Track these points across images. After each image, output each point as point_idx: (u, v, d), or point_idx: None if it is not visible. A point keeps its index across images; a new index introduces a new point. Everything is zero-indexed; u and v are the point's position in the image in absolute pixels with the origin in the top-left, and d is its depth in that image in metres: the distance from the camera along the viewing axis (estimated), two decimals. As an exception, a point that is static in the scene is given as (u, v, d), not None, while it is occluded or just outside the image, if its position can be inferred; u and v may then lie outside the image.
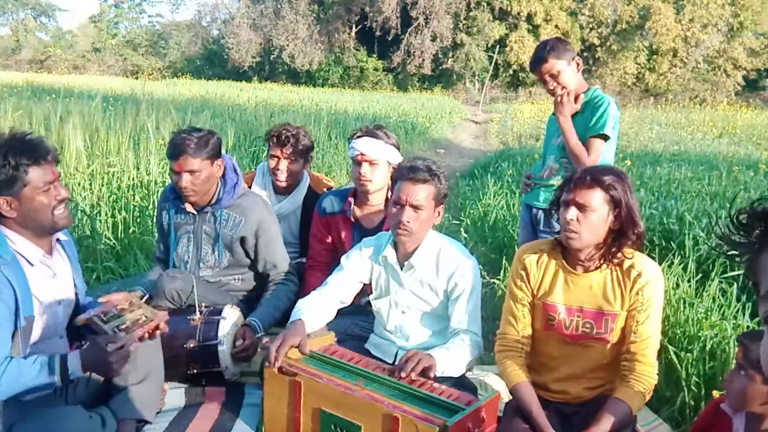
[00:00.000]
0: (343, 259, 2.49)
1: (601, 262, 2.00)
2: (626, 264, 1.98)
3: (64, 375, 1.92)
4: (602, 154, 2.77)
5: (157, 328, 2.12)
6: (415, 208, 2.24)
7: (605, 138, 2.75)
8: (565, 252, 2.05)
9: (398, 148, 2.90)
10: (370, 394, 1.96)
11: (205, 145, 2.69)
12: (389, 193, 2.87)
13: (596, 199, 1.92)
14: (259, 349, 2.57)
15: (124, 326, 2.06)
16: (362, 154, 2.76)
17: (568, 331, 2.04)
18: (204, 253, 2.90)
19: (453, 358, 2.19)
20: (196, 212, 2.87)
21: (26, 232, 2.01)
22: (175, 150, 2.67)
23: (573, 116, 2.83)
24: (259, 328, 2.69)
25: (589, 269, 2.02)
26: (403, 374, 2.03)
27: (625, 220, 1.93)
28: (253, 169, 3.64)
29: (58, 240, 2.16)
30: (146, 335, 2.08)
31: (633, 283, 1.96)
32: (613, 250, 1.97)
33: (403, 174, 2.28)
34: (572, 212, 1.93)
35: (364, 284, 2.50)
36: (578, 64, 2.84)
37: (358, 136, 2.82)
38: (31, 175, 1.94)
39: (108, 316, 2.07)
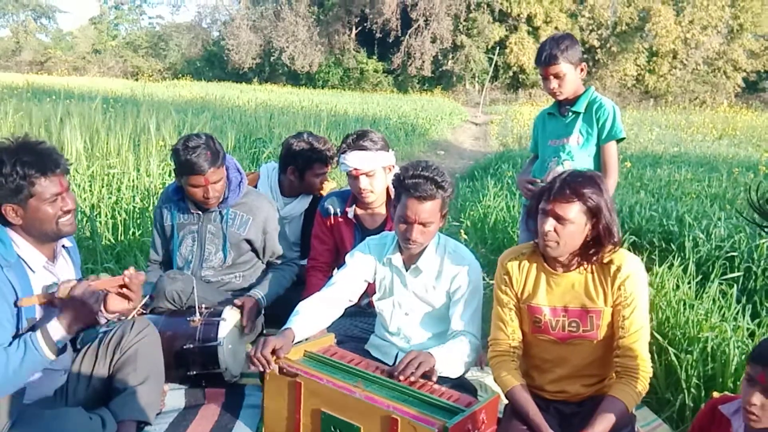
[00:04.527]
0: (347, 257, 2.48)
1: (580, 263, 2.01)
2: (606, 260, 1.99)
3: (52, 346, 1.90)
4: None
5: (126, 283, 2.04)
6: (424, 224, 2.22)
7: (621, 140, 2.83)
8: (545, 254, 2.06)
9: (387, 147, 2.89)
10: (369, 396, 1.96)
11: (218, 152, 2.74)
12: (391, 192, 2.87)
13: (574, 211, 1.91)
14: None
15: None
16: (357, 169, 2.76)
17: (555, 332, 2.05)
18: (207, 253, 2.91)
19: (451, 358, 2.19)
20: (200, 212, 2.88)
21: (30, 238, 2.01)
22: (200, 166, 2.68)
23: (575, 116, 2.84)
24: (262, 298, 2.81)
25: (570, 269, 2.02)
26: (402, 377, 2.02)
27: (602, 231, 1.93)
28: (254, 170, 3.65)
29: (63, 246, 2.16)
30: (125, 290, 2.04)
31: (614, 279, 1.97)
32: (590, 253, 1.97)
33: (408, 191, 2.19)
34: (550, 223, 1.93)
35: (368, 284, 2.50)
36: (582, 69, 2.83)
37: (347, 151, 2.78)
38: (38, 187, 1.93)
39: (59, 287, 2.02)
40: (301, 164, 3.27)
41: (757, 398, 1.60)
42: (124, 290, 2.06)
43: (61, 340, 1.93)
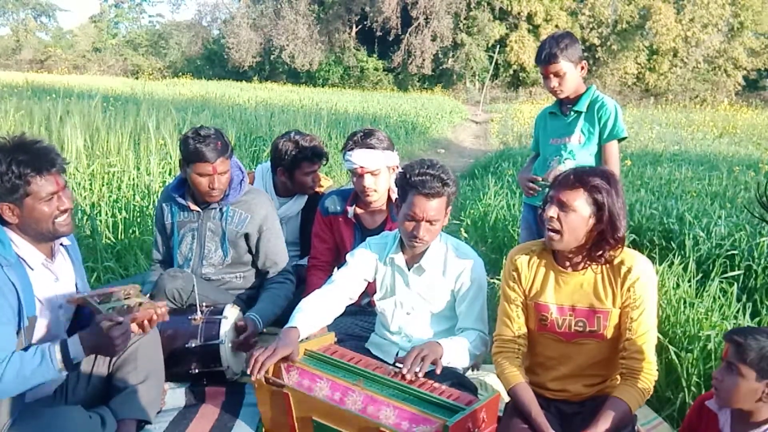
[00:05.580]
0: (348, 256, 2.47)
1: (588, 263, 2.00)
2: (616, 260, 1.98)
3: (67, 361, 1.92)
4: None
5: (152, 318, 2.11)
6: (431, 222, 2.22)
7: (622, 139, 2.84)
8: (555, 252, 2.05)
9: (392, 147, 2.89)
10: (368, 395, 1.96)
11: (227, 144, 2.75)
12: (392, 194, 2.87)
13: (578, 199, 1.91)
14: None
15: (119, 308, 2.05)
16: (362, 167, 2.75)
17: (561, 330, 2.04)
18: (207, 251, 2.91)
19: (459, 348, 2.20)
20: (200, 210, 2.88)
21: (28, 237, 2.02)
22: (209, 154, 2.67)
23: (576, 115, 2.84)
24: (259, 323, 2.71)
25: (579, 268, 2.02)
26: (409, 376, 2.01)
27: (606, 225, 1.91)
28: (252, 170, 3.65)
29: (62, 244, 2.17)
30: (145, 322, 2.08)
31: (624, 280, 1.96)
32: (598, 253, 1.96)
33: (415, 188, 2.18)
34: (553, 210, 1.94)
35: (368, 283, 2.49)
36: (583, 68, 2.84)
37: (353, 149, 2.78)
38: (34, 186, 1.94)
39: (103, 299, 2.07)
40: (289, 164, 3.26)
41: (718, 372, 1.70)
42: (146, 322, 2.08)
43: (77, 358, 1.94)
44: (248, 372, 2.08)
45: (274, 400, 2.12)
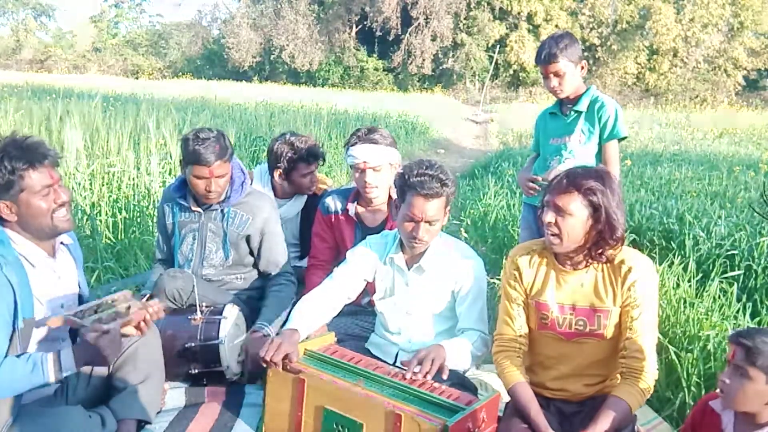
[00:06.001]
0: (348, 254, 2.47)
1: (589, 262, 2.00)
2: (617, 260, 1.98)
3: (59, 372, 1.91)
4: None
5: (146, 318, 2.09)
6: (430, 222, 2.22)
7: (622, 139, 2.84)
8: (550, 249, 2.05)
9: (395, 144, 2.89)
10: (370, 395, 1.96)
11: (226, 147, 2.73)
12: (392, 192, 2.87)
13: (574, 203, 1.91)
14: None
15: (107, 317, 2.03)
16: (365, 162, 2.75)
17: (561, 329, 2.04)
18: (208, 252, 2.90)
19: (461, 350, 2.20)
20: (201, 210, 2.88)
21: (28, 235, 2.01)
22: (207, 157, 2.66)
23: (576, 115, 2.85)
24: (270, 332, 2.70)
25: (579, 267, 2.02)
26: (410, 376, 2.01)
27: (603, 226, 1.91)
28: (251, 169, 3.65)
29: (63, 243, 2.16)
30: (141, 323, 2.07)
31: (624, 279, 1.96)
32: (598, 252, 1.96)
33: (414, 189, 2.19)
34: (550, 216, 1.94)
35: (367, 283, 2.49)
36: (583, 68, 2.85)
37: (356, 143, 2.78)
38: (28, 180, 1.94)
39: (86, 313, 2.04)
40: (285, 166, 3.27)
41: (725, 374, 1.69)
42: (142, 324, 2.07)
43: (69, 370, 1.94)
44: (269, 365, 2.10)
45: (286, 390, 2.11)
